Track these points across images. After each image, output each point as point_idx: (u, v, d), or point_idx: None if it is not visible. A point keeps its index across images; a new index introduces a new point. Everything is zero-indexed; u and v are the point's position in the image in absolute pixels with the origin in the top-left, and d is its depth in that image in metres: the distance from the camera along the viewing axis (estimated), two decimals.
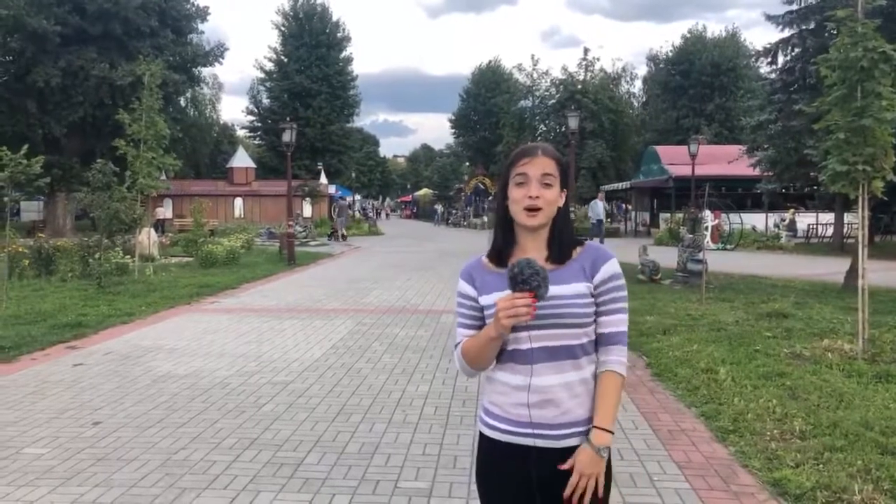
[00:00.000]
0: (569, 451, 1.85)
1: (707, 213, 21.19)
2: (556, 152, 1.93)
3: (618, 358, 1.87)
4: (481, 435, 1.96)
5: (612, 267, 1.89)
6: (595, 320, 1.87)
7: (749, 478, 3.95)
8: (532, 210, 1.84)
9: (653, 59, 56.15)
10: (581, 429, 1.85)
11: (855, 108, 6.54)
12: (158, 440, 4.65)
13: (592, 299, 1.86)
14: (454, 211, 55.32)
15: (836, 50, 6.70)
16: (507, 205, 1.90)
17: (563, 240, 1.90)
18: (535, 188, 1.84)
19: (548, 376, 1.84)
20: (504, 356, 1.89)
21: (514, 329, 1.82)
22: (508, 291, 1.75)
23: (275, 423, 5.00)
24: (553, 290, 1.78)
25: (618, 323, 1.87)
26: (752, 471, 4.03)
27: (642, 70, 57.73)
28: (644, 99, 55.87)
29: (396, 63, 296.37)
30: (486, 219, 43.99)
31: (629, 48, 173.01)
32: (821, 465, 4.00)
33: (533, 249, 1.88)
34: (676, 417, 5.09)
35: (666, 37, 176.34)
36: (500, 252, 1.91)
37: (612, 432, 1.83)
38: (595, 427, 1.83)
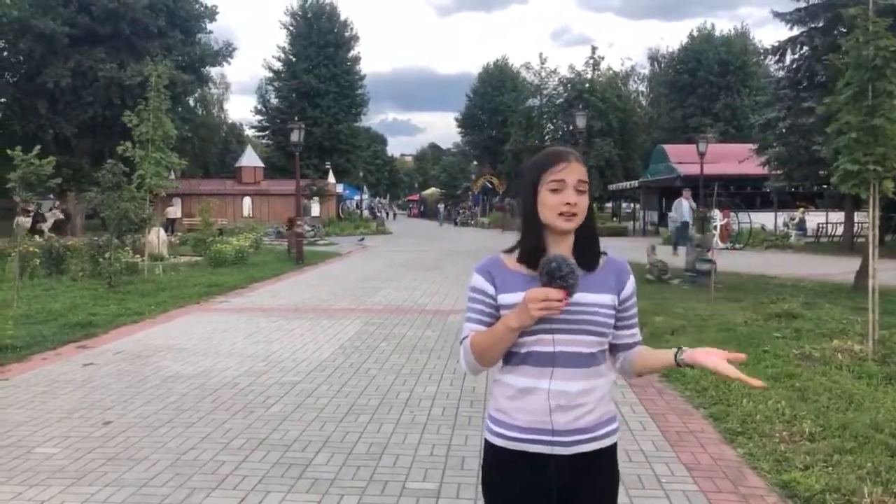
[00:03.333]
0: (579, 458, 1.84)
1: (716, 212, 21.14)
2: (584, 160, 1.93)
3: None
4: (488, 443, 1.93)
5: (632, 282, 1.96)
6: (614, 332, 1.94)
7: (758, 480, 3.94)
8: (568, 215, 1.84)
9: (653, 57, 56.05)
10: (590, 435, 1.85)
11: (866, 108, 6.50)
12: (168, 440, 4.68)
13: (615, 312, 1.91)
14: (462, 210, 55.36)
15: (849, 48, 6.67)
16: (536, 209, 1.87)
17: (592, 247, 1.91)
18: (573, 195, 1.83)
19: (567, 381, 1.83)
20: (516, 358, 1.86)
21: (538, 331, 1.81)
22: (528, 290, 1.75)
23: (283, 424, 5.02)
24: (586, 297, 1.82)
25: (637, 333, 2.01)
26: (760, 473, 4.02)
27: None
28: (650, 97, 55.74)
29: (406, 62, 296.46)
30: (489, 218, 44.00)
31: (640, 46, 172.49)
32: (830, 468, 3.98)
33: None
34: (685, 419, 5.08)
35: (670, 36, 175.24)
36: (530, 255, 1.88)
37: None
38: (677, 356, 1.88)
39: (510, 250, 1.94)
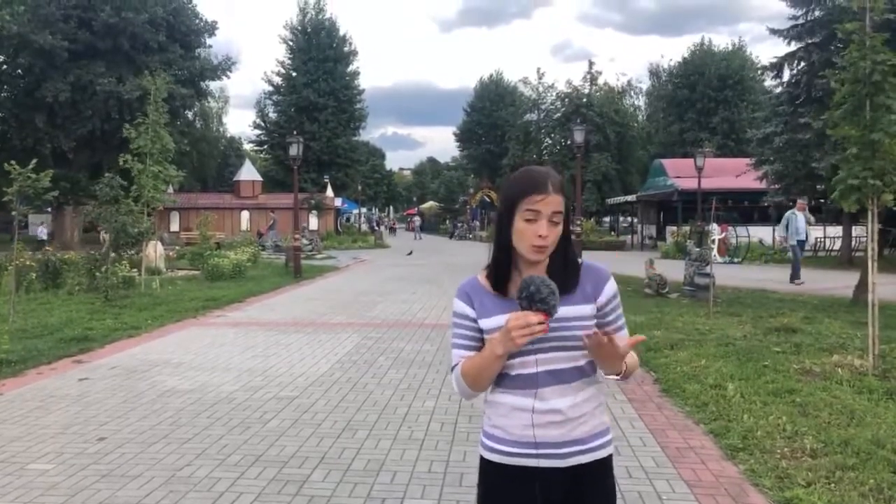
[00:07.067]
0: (575, 470, 1.84)
1: (714, 227, 21.15)
2: (563, 186, 1.88)
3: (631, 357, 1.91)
4: (483, 459, 1.94)
5: (612, 286, 1.91)
6: None
7: (760, 497, 3.89)
8: (538, 248, 1.82)
9: (654, 72, 56.37)
10: (584, 447, 1.85)
11: (864, 122, 6.51)
12: (163, 456, 4.63)
13: (594, 321, 1.88)
14: (460, 224, 55.53)
15: (846, 63, 6.70)
16: (510, 233, 1.85)
17: (566, 270, 1.87)
18: (545, 227, 1.80)
19: (553, 399, 1.83)
20: (507, 381, 1.86)
21: (521, 352, 1.81)
22: (509, 316, 1.73)
23: (280, 439, 4.97)
24: (563, 311, 1.78)
25: (624, 337, 1.91)
26: (762, 490, 3.98)
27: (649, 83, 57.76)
28: (648, 112, 56.01)
29: (408, 77, 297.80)
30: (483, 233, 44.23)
31: (640, 61, 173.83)
32: (832, 484, 3.94)
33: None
34: (685, 434, 5.04)
35: (669, 51, 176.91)
36: (499, 277, 1.88)
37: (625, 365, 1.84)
38: None
39: (488, 269, 1.93)
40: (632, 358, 1.89)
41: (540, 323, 1.68)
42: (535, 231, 1.80)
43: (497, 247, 1.89)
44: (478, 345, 1.88)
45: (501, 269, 1.88)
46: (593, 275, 1.90)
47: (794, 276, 15.52)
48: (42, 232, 32.49)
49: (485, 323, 1.86)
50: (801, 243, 16.32)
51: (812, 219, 17.45)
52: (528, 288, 1.69)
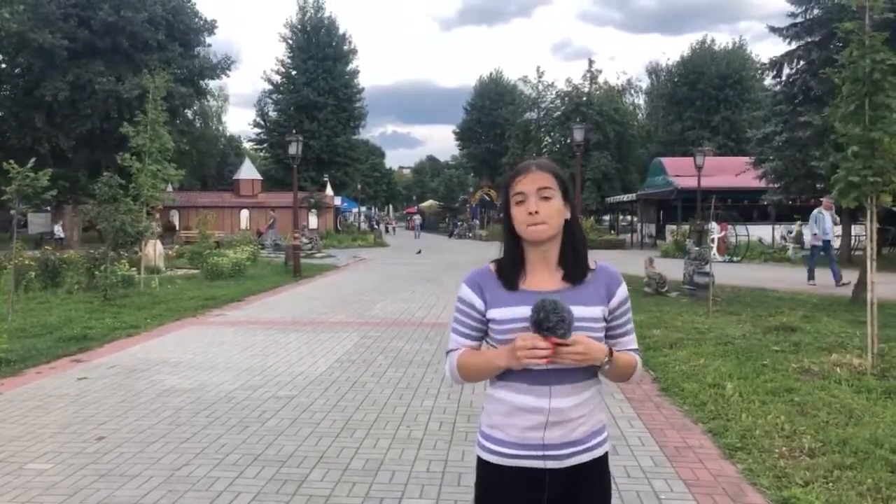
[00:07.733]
0: (574, 470, 1.84)
1: (713, 225, 21.15)
2: (552, 165, 1.90)
3: (636, 357, 1.93)
4: (481, 460, 1.92)
5: (623, 290, 1.92)
6: (606, 342, 1.90)
7: (758, 496, 3.90)
8: (535, 224, 1.83)
9: (653, 70, 56.39)
10: (584, 446, 1.85)
11: (864, 121, 6.51)
12: (162, 456, 4.63)
13: (605, 322, 1.88)
14: (459, 223, 55.57)
15: (846, 62, 6.70)
16: (512, 224, 1.88)
17: (578, 258, 1.88)
18: (534, 203, 1.82)
19: (560, 398, 1.83)
20: (511, 376, 1.85)
21: None
22: (521, 308, 1.76)
23: (279, 439, 4.97)
24: (575, 311, 1.78)
25: (632, 341, 1.94)
26: (760, 489, 3.98)
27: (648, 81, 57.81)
28: (647, 110, 56.01)
29: (408, 75, 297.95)
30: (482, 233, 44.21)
31: (641, 60, 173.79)
32: (830, 484, 3.95)
33: (543, 268, 1.87)
34: (683, 434, 5.04)
35: (670, 49, 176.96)
36: (510, 271, 1.88)
37: (610, 357, 1.82)
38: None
39: (500, 261, 1.94)
40: (629, 355, 1.90)
41: (545, 348, 1.70)
42: (526, 209, 1.83)
43: (504, 243, 1.92)
44: (478, 335, 1.89)
45: (512, 264, 1.88)
46: (607, 277, 1.90)
47: (810, 276, 15.23)
48: (58, 231, 32.58)
49: (497, 313, 1.85)
50: (827, 243, 15.79)
51: (838, 219, 16.99)
52: (538, 314, 1.70)
